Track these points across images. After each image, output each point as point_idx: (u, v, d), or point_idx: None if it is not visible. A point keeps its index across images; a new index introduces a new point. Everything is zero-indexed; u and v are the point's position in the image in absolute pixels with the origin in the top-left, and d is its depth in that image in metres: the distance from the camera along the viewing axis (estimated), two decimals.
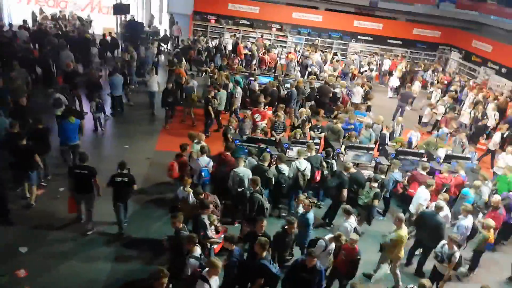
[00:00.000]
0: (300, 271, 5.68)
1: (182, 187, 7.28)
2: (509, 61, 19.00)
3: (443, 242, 6.78)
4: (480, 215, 8.35)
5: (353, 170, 8.74)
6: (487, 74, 20.30)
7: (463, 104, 16.80)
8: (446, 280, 6.72)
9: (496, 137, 12.35)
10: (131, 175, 7.51)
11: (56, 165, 9.22)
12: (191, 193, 7.15)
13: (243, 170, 7.89)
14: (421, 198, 8.21)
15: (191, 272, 5.47)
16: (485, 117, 14.13)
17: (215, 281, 5.21)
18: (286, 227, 6.48)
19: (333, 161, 9.26)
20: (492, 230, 7.37)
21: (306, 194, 8.76)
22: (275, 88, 13.51)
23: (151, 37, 20.15)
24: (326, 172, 9.01)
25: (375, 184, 8.26)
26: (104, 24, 20.85)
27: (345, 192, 8.38)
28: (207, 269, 5.18)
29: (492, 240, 7.39)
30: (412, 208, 8.40)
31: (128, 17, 19.11)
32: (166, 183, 9.03)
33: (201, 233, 6.40)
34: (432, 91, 17.27)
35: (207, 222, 6.53)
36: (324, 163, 9.01)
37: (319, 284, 5.74)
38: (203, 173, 8.17)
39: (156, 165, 10.02)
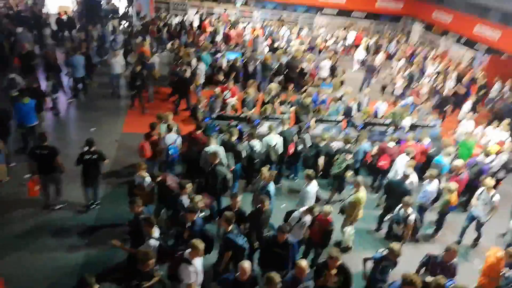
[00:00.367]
0: (273, 246, 5.74)
1: (137, 173, 6.96)
2: (468, 31, 19.63)
3: (399, 206, 7.08)
4: (444, 179, 8.72)
5: (323, 142, 8.94)
6: (447, 44, 20.92)
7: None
8: (403, 242, 6.96)
9: (466, 107, 12.70)
10: (100, 151, 7.43)
11: (18, 152, 8.85)
12: (147, 178, 6.91)
13: (215, 148, 7.84)
14: (403, 165, 8.45)
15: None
16: (443, 87, 14.60)
17: (198, 262, 5.21)
18: (259, 205, 6.49)
19: (306, 135, 9.35)
20: (455, 193, 7.73)
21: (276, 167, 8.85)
22: (238, 64, 13.35)
23: (110, 15, 19.28)
24: (300, 146, 9.09)
25: (350, 156, 8.48)
26: (59, 2, 19.73)
27: (321, 160, 8.55)
28: (188, 250, 5.17)
29: (454, 202, 7.76)
30: (392, 175, 8.65)
31: None
32: (135, 166, 8.86)
33: (181, 213, 6.36)
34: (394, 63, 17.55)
35: (186, 203, 6.46)
36: (296, 137, 9.09)
37: (292, 258, 5.78)
38: (170, 151, 8.07)
39: (125, 147, 9.81)
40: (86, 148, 7.29)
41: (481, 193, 7.83)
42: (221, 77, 12.02)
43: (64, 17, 16.73)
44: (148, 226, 5.55)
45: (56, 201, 7.63)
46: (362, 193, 7.23)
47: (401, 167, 8.45)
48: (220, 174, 7.28)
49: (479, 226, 7.97)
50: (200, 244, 5.13)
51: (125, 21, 19.46)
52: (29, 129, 8.85)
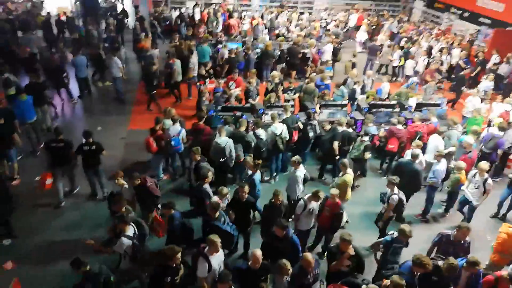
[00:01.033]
0: (273, 239, 5.69)
1: (115, 181, 6.80)
2: (471, 5, 19.24)
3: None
4: (453, 158, 8.64)
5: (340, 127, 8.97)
6: (451, 19, 20.54)
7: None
8: (384, 221, 7.02)
9: (487, 85, 12.42)
10: (98, 143, 7.66)
11: (23, 157, 9.13)
12: (125, 185, 6.73)
13: (224, 140, 7.86)
14: (437, 145, 8.46)
15: (125, 251, 5.44)
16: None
17: (217, 258, 5.24)
18: (272, 200, 6.40)
19: (315, 122, 9.31)
20: (463, 172, 7.68)
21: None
22: (233, 56, 13.26)
23: (108, 13, 19.24)
24: (311, 133, 9.07)
25: (366, 138, 8.53)
26: (57, 3, 19.66)
27: (335, 144, 8.57)
28: (207, 247, 5.21)
29: (464, 180, 7.70)
30: (428, 157, 8.50)
31: None
32: (144, 162, 8.98)
33: (206, 202, 6.48)
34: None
35: (210, 191, 6.62)
36: (299, 124, 9.06)
37: (294, 254, 5.51)
38: (173, 142, 8.15)
39: (132, 145, 9.89)
40: (84, 140, 7.57)
41: (474, 175, 7.54)
42: (202, 70, 11.67)
43: (64, 18, 16.73)
44: (121, 224, 5.56)
45: (71, 189, 8.13)
46: (349, 176, 7.31)
47: (435, 147, 8.42)
48: (203, 169, 7.06)
49: (470, 210, 7.66)
50: (217, 239, 5.18)
51: (126, 18, 19.25)
52: (29, 125, 9.17)
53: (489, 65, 14.59)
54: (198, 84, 11.31)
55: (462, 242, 5.89)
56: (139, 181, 6.61)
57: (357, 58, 14.26)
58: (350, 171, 7.39)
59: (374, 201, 7.91)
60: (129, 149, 9.81)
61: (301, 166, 7.39)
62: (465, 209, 7.79)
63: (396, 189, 6.86)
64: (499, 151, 9.00)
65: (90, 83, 12.80)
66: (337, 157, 8.67)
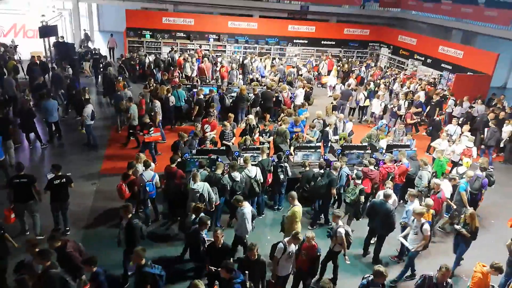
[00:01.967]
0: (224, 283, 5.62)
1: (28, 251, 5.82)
2: (433, 52, 20.56)
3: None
4: (423, 198, 8.78)
5: (307, 168, 9.24)
6: (414, 65, 21.78)
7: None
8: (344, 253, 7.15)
9: (453, 129, 12.75)
10: (67, 175, 7.69)
11: None
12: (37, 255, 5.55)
13: (201, 185, 7.77)
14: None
15: None
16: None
17: None
18: (247, 254, 6.08)
19: (286, 164, 9.39)
20: (431, 210, 7.74)
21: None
22: (201, 97, 13.51)
23: (84, 58, 19.34)
24: (282, 176, 9.09)
25: (358, 181, 8.59)
26: (31, 48, 19.60)
27: (334, 190, 8.70)
28: None
29: (429, 219, 7.65)
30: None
31: (53, 39, 18.34)
32: (114, 210, 8.67)
33: (201, 248, 6.44)
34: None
35: (206, 238, 6.52)
36: (271, 167, 9.11)
37: None
38: (147, 188, 8.02)
39: (102, 191, 9.61)
40: (53, 174, 7.55)
41: (412, 220, 7.34)
42: (147, 119, 11.15)
43: (37, 62, 16.60)
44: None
45: (35, 230, 7.74)
46: (298, 207, 7.38)
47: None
48: (136, 228, 6.65)
49: (410, 260, 7.41)
50: (201, 286, 5.08)
51: (102, 61, 19.30)
52: None
53: (447, 106, 15.57)
54: (142, 133, 11.08)
55: (445, 284, 5.87)
56: (59, 244, 5.87)
57: (322, 102, 14.79)
58: (298, 203, 7.45)
59: (353, 244, 7.86)
60: (100, 195, 9.49)
61: (246, 203, 7.38)
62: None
63: (340, 222, 6.96)
64: (483, 191, 9.32)
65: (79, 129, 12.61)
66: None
